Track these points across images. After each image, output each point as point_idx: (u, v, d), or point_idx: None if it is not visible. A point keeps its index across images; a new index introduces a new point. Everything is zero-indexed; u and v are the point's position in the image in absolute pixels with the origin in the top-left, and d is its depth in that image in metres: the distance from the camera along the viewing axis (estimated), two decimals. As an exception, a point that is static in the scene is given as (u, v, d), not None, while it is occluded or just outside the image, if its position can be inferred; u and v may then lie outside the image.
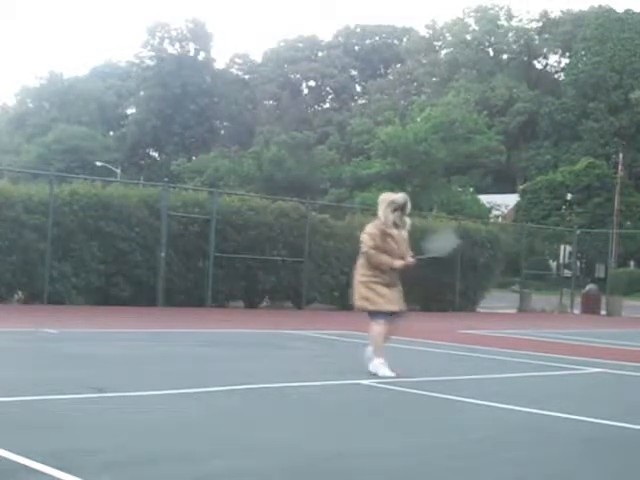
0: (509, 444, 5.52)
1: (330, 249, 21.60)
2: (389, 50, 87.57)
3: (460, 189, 55.59)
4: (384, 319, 8.42)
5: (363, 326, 15.92)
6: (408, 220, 8.71)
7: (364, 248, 8.55)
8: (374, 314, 8.49)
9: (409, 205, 8.61)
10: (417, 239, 8.62)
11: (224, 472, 4.36)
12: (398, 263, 8.47)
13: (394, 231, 8.51)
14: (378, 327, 8.44)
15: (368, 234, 8.56)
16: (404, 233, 8.64)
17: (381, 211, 8.53)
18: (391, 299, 8.45)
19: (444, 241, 9.30)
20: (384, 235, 8.46)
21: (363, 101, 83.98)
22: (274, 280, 20.37)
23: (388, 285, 8.48)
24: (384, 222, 8.48)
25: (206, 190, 22.72)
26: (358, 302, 8.55)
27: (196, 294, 19.09)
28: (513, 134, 69.61)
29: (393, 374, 8.26)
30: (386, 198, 8.60)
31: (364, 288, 8.48)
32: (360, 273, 8.59)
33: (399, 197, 8.56)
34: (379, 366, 8.40)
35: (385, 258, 8.43)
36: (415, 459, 4.89)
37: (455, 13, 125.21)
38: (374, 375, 8.27)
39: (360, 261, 8.65)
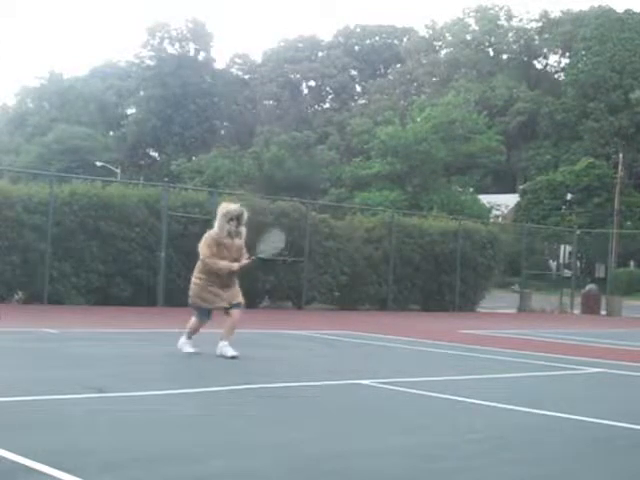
0: (509, 444, 5.52)
1: (330, 249, 21.61)
2: (389, 50, 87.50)
3: (460, 189, 55.58)
4: (207, 316, 9.56)
5: (363, 326, 15.97)
6: (244, 230, 9.48)
7: (202, 256, 9.38)
8: (200, 309, 9.54)
9: (245, 216, 9.42)
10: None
11: (224, 472, 4.36)
12: (235, 266, 9.42)
13: (227, 240, 9.31)
14: (194, 318, 9.59)
15: (205, 243, 9.36)
16: (238, 241, 9.44)
17: (217, 221, 9.34)
18: (224, 298, 9.42)
19: (273, 242, 10.19)
20: (218, 244, 9.28)
21: (363, 101, 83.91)
22: (274, 280, 20.37)
23: (222, 286, 9.41)
24: (218, 232, 9.31)
25: (206, 190, 22.73)
26: (193, 299, 9.53)
27: (196, 294, 19.08)
28: (513, 134, 69.58)
29: (192, 351, 9.42)
30: (223, 209, 9.39)
31: (199, 289, 9.42)
32: (197, 276, 9.48)
33: (234, 209, 9.37)
34: (185, 344, 9.57)
35: (223, 264, 9.32)
36: (415, 459, 4.89)
37: (455, 13, 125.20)
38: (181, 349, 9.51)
39: (198, 264, 9.50)
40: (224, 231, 9.28)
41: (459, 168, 56.01)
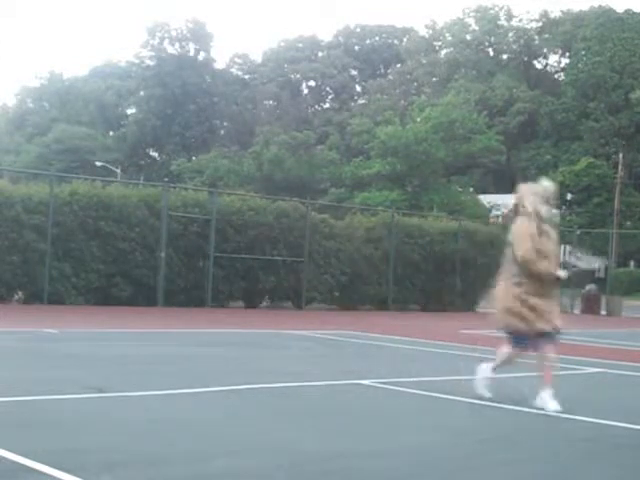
0: (509, 444, 5.52)
1: (330, 249, 21.62)
2: (389, 50, 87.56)
3: (460, 189, 55.56)
4: (525, 339, 6.82)
5: (363, 326, 15.96)
6: (555, 212, 7.21)
7: (519, 252, 6.74)
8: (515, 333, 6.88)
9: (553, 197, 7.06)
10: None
11: (224, 472, 4.36)
12: (563, 273, 6.90)
13: (546, 227, 6.85)
14: (507, 348, 7.02)
15: (522, 235, 6.79)
16: (553, 233, 6.99)
17: (528, 202, 6.83)
18: (547, 318, 6.77)
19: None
20: (540, 232, 6.76)
21: (363, 101, 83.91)
22: (274, 280, 20.38)
23: (542, 296, 6.76)
24: (537, 215, 6.78)
25: (206, 190, 22.74)
26: (503, 318, 6.88)
27: (196, 294, 19.09)
28: (513, 134, 69.59)
29: (485, 394, 7.12)
30: (529, 189, 6.99)
31: (512, 300, 6.79)
32: (513, 281, 6.84)
33: (550, 187, 7.02)
34: (482, 380, 7.29)
35: (545, 267, 6.71)
36: (415, 459, 4.89)
37: (455, 13, 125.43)
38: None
39: (509, 266, 6.92)
40: (542, 214, 6.79)
41: (459, 168, 55.99)
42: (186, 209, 19.07)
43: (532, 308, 6.67)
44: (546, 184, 7.02)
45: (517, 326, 6.74)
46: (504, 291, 6.85)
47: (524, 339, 6.77)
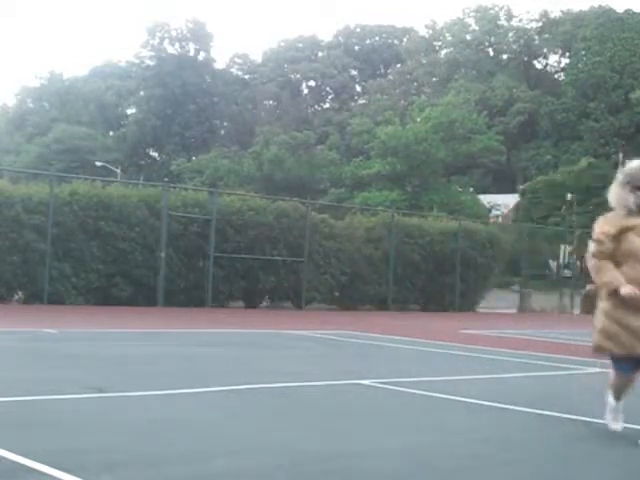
0: (509, 444, 5.52)
1: (330, 249, 21.62)
2: (389, 50, 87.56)
3: (460, 189, 55.58)
4: (631, 369, 5.56)
5: (363, 326, 15.96)
6: None
7: (589, 257, 5.52)
8: (614, 358, 5.61)
9: None
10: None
11: (224, 472, 4.36)
12: (626, 289, 5.27)
13: (637, 220, 5.36)
14: (613, 372, 5.76)
15: (595, 236, 5.47)
16: None
17: (613, 196, 5.49)
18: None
19: None
20: (620, 232, 5.35)
21: (363, 101, 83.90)
22: (274, 280, 20.39)
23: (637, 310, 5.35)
24: (621, 208, 5.41)
25: (206, 190, 22.76)
26: (596, 339, 5.57)
27: (196, 294, 19.11)
28: (513, 134, 69.57)
29: (617, 428, 5.83)
30: (620, 173, 5.55)
31: (605, 318, 5.49)
32: (602, 296, 5.55)
33: (628, 170, 5.50)
34: (609, 412, 5.93)
35: (613, 276, 5.34)
36: (415, 459, 4.88)
37: (455, 13, 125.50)
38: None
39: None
40: (629, 205, 5.35)
41: (459, 168, 56.01)
42: (186, 209, 19.08)
43: (626, 327, 5.36)
44: (630, 165, 5.55)
45: (612, 350, 5.50)
46: (598, 308, 5.61)
47: (624, 365, 5.54)
